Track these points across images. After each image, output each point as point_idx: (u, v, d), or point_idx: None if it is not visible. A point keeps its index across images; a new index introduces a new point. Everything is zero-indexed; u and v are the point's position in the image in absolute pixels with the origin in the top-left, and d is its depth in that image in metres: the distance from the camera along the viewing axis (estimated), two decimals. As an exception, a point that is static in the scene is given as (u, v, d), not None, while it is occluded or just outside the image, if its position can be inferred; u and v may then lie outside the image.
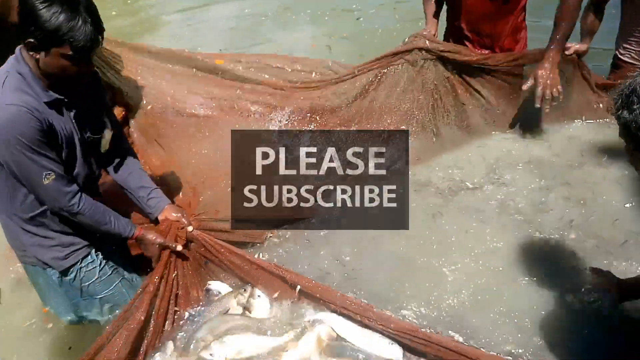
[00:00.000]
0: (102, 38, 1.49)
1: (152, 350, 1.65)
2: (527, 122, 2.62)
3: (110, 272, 1.91)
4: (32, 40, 1.41)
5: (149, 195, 1.91)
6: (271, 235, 2.20)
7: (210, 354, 1.57)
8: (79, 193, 1.65)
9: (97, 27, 1.45)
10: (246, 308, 1.73)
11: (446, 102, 2.55)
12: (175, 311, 1.79)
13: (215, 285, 1.89)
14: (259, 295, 1.76)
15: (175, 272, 1.83)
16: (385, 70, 2.46)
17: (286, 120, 2.47)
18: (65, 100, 1.60)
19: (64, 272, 1.80)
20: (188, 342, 1.65)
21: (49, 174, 1.55)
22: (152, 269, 1.81)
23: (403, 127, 2.49)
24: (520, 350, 1.67)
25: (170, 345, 1.64)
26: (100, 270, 1.88)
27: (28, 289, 2.09)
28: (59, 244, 1.76)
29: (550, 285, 1.85)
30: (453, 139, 2.60)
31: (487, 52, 2.56)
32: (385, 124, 2.49)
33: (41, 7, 1.36)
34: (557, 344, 1.67)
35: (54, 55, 1.44)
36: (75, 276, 1.83)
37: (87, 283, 1.86)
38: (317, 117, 2.50)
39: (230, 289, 1.86)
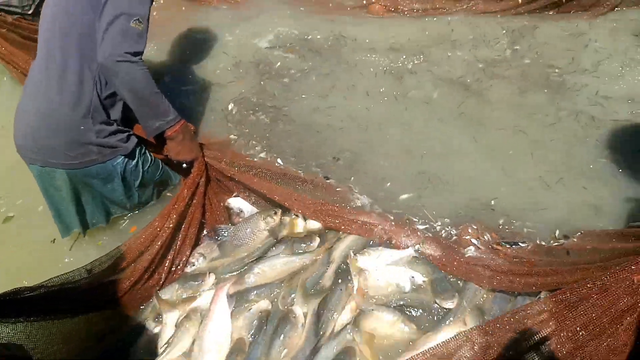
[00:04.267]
0: None
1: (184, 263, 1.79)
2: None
3: (152, 157, 2.05)
4: None
5: None
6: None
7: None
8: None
9: None
10: (272, 231, 1.87)
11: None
12: (202, 223, 1.90)
13: (236, 203, 2.00)
14: (295, 215, 1.90)
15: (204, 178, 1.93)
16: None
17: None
18: None
19: (130, 155, 1.92)
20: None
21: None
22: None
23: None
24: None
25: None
26: (149, 154, 2.03)
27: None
28: (118, 131, 1.88)
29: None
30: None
31: None
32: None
33: None
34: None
35: None
36: (137, 160, 1.95)
37: (147, 166, 2.00)
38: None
39: (252, 209, 1.98)
